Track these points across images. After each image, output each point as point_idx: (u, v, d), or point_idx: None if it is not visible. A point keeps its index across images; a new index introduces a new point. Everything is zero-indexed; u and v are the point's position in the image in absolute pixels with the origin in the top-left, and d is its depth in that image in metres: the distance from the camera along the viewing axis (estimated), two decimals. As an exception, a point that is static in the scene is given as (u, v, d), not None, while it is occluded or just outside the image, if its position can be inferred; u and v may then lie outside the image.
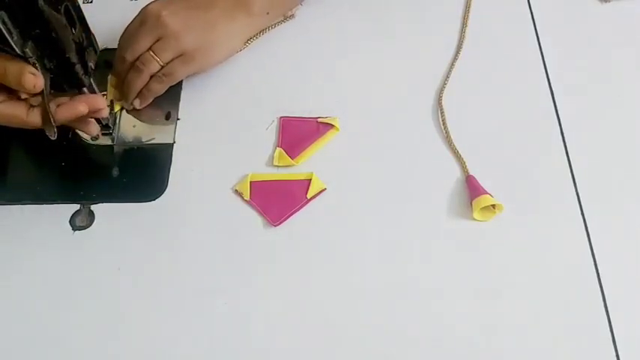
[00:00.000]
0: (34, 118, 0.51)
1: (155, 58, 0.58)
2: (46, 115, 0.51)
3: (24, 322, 0.52)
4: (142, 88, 0.59)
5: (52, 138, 0.51)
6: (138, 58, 0.58)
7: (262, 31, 0.65)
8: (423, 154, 0.58)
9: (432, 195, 0.55)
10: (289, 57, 0.65)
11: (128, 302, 0.52)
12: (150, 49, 0.58)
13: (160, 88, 0.60)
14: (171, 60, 0.58)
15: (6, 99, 0.50)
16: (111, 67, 0.62)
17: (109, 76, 0.62)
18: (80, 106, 0.52)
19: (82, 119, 0.54)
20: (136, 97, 0.60)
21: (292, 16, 0.66)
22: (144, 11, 0.59)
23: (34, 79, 0.48)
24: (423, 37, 0.65)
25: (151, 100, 0.61)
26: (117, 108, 0.62)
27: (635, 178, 0.55)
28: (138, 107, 0.61)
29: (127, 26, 0.59)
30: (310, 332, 0.50)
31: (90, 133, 0.57)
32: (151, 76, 0.59)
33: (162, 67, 0.58)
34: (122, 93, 0.61)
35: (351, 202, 0.55)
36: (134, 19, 0.59)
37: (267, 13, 0.64)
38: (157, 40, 0.58)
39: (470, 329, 0.49)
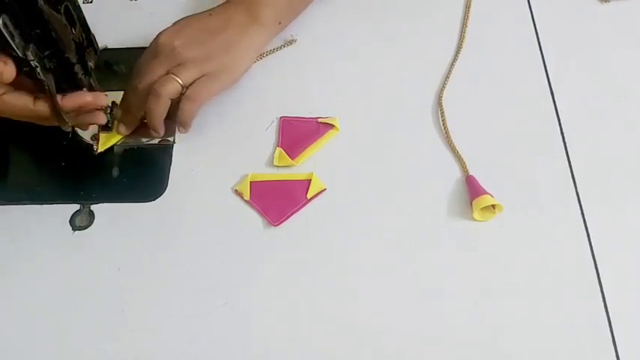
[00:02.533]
0: (42, 107, 0.51)
1: (176, 79, 0.55)
2: (57, 111, 0.51)
3: (24, 322, 0.52)
4: (177, 114, 0.57)
5: (68, 130, 0.54)
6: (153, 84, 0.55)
7: (266, 53, 0.65)
8: (423, 154, 0.58)
9: (432, 195, 0.55)
10: (289, 57, 0.65)
11: (128, 302, 0.52)
12: (168, 72, 0.55)
13: (193, 107, 0.57)
14: (193, 81, 0.56)
15: (10, 89, 0.50)
16: (111, 67, 0.62)
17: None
18: (86, 96, 0.52)
19: (89, 110, 0.54)
20: (179, 124, 0.58)
21: (293, 41, 0.66)
22: (155, 43, 0.56)
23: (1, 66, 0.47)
24: (423, 37, 0.65)
25: (191, 123, 0.58)
26: (115, 139, 0.60)
27: (635, 178, 0.55)
28: (183, 133, 0.59)
29: (139, 60, 0.57)
30: (310, 332, 0.50)
31: (100, 122, 0.56)
32: (172, 101, 0.56)
33: (185, 88, 0.56)
34: (128, 123, 0.59)
35: (351, 202, 0.55)
36: (145, 52, 0.57)
37: (280, 23, 0.63)
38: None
39: (470, 329, 0.49)
